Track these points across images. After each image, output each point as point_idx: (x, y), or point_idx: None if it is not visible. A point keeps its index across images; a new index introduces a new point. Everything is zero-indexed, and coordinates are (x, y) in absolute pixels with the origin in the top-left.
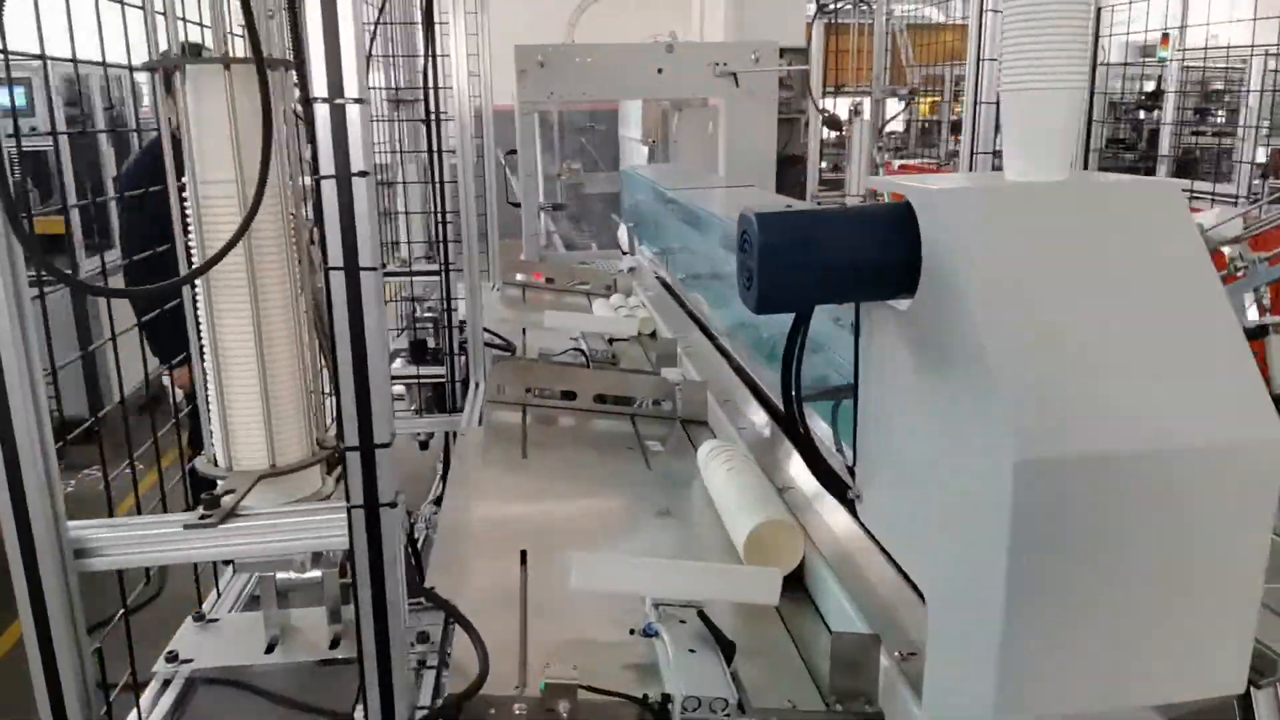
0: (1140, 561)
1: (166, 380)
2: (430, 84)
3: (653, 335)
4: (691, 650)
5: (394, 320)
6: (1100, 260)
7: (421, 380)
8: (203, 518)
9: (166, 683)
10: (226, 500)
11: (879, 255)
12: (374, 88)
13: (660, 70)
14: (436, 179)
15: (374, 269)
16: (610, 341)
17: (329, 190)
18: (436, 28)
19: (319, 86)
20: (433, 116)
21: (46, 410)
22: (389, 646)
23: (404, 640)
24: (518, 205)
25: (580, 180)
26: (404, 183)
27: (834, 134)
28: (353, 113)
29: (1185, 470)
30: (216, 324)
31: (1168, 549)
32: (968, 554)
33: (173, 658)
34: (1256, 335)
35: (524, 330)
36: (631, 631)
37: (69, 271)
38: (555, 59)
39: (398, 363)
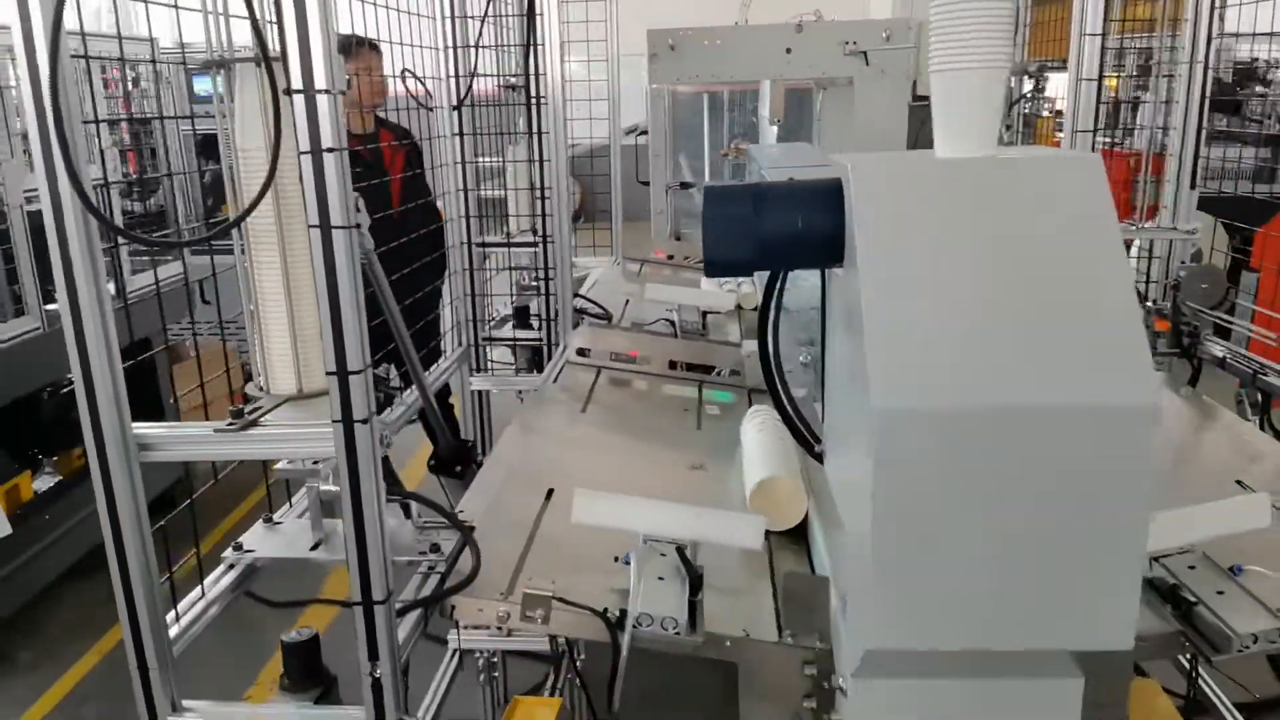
0: (1011, 513)
1: None
2: (531, 70)
3: (755, 310)
4: (660, 578)
5: (507, 288)
6: (1002, 229)
7: (518, 343)
8: (229, 424)
9: (231, 566)
10: (250, 415)
11: (809, 226)
12: (484, 75)
13: (789, 50)
14: (537, 158)
15: (344, 227)
16: (704, 314)
17: (306, 163)
18: (537, 18)
19: (296, 80)
20: (533, 100)
21: (115, 337)
22: (364, 537)
23: (380, 535)
24: (647, 184)
25: (747, 160)
26: (506, 162)
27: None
28: (322, 101)
29: (1053, 428)
30: (255, 269)
31: (1039, 503)
32: (859, 498)
33: (238, 547)
34: None
35: (626, 301)
36: (615, 559)
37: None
38: (685, 42)
39: (507, 327)
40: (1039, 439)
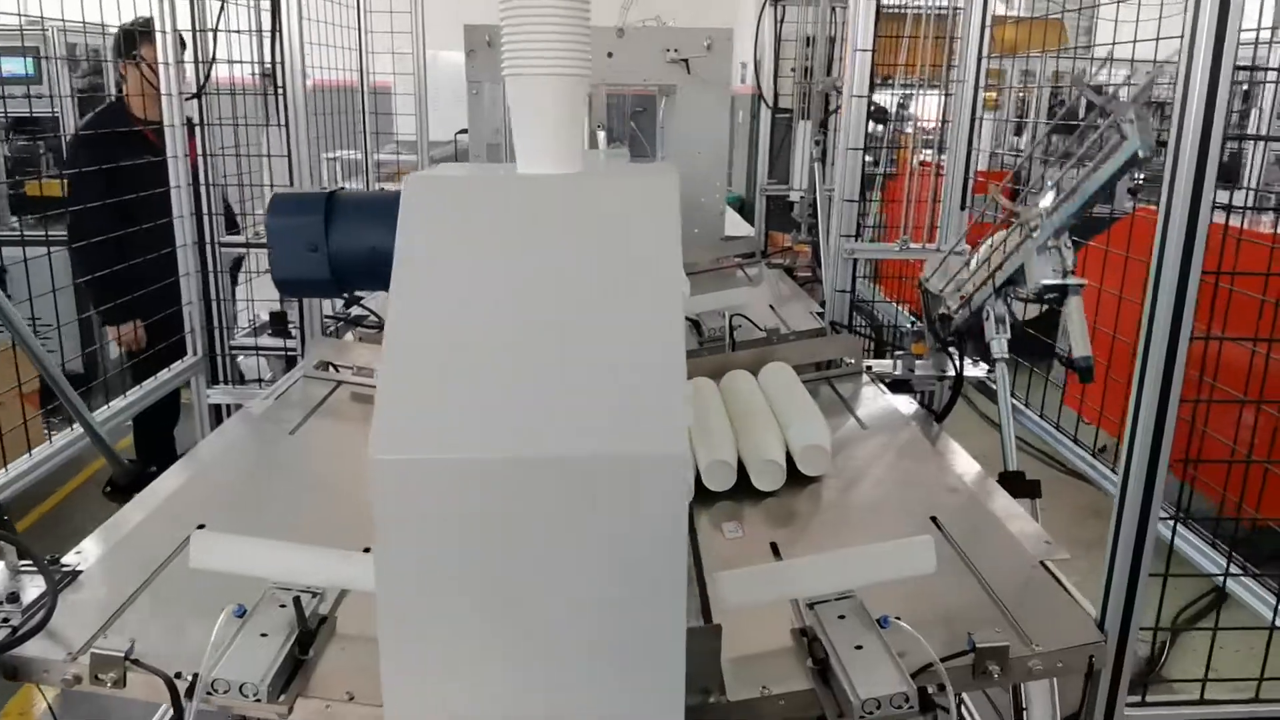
0: (535, 583)
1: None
2: (276, 59)
3: None
4: (264, 634)
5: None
6: (553, 256)
7: (260, 352)
8: None
9: None
10: None
11: (387, 242)
12: (235, 61)
13: (610, 55)
14: (287, 153)
15: None
16: None
17: None
18: (283, 4)
19: None
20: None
21: None
22: None
23: None
24: None
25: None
26: (254, 155)
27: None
28: None
29: (574, 483)
30: None
31: (563, 569)
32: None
33: None
34: (1058, 296)
35: None
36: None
37: None
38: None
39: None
40: (559, 495)
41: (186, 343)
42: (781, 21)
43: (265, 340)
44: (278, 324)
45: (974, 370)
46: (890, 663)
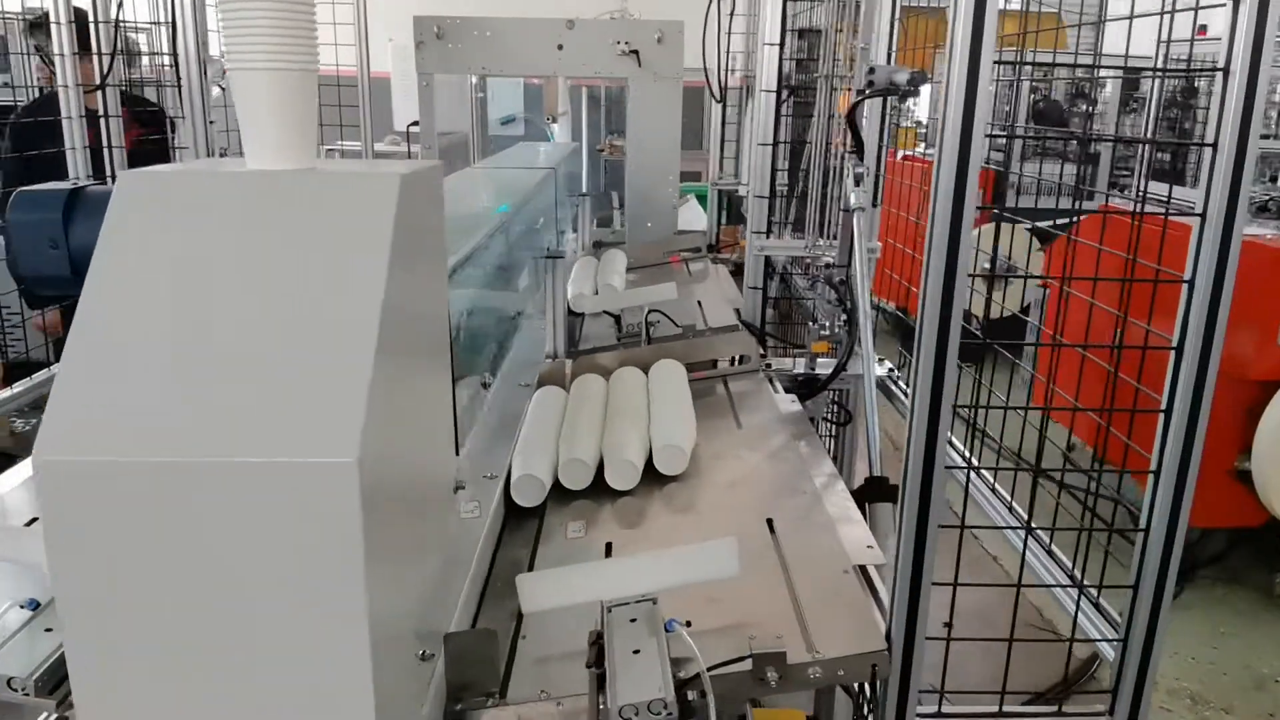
0: (199, 580)
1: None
2: (175, 50)
3: None
4: (49, 630)
5: None
6: (252, 258)
7: None
8: None
9: None
10: None
11: None
12: (145, 54)
13: (560, 46)
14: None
15: None
16: None
17: None
18: None
19: None
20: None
21: None
22: None
23: None
24: None
25: (622, 158)
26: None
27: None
28: None
29: (245, 490)
30: None
31: (229, 569)
32: None
33: None
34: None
35: None
36: (22, 607)
37: None
38: (452, 31)
39: None
40: (229, 500)
41: None
42: (732, 15)
43: None
44: None
45: (880, 370)
46: (658, 669)
